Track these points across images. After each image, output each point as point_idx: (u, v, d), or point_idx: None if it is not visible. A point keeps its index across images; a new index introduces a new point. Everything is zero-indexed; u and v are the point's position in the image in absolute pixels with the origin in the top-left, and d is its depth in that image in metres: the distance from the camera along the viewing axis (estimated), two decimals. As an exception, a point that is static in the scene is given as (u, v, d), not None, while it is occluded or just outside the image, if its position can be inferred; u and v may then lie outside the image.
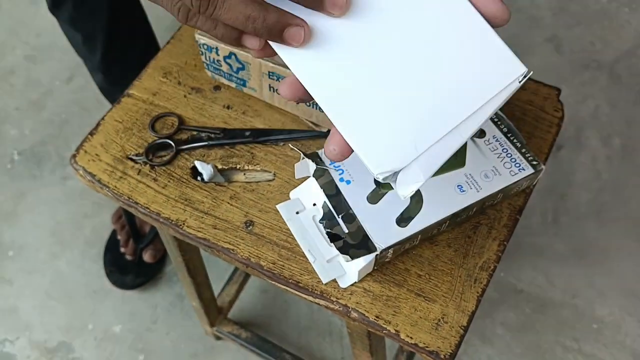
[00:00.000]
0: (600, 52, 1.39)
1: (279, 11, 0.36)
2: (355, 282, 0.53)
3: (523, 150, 0.55)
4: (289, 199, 0.58)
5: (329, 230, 0.52)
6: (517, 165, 0.54)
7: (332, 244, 0.50)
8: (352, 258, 0.50)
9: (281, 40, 0.36)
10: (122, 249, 1.13)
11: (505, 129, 0.56)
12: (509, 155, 0.55)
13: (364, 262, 0.51)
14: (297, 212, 0.56)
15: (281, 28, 0.36)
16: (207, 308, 0.96)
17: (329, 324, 1.09)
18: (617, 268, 1.12)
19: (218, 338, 1.07)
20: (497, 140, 0.56)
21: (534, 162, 0.55)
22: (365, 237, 0.51)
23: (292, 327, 1.09)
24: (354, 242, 0.51)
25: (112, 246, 1.15)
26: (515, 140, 0.56)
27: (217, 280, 1.09)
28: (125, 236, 1.13)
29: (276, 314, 1.11)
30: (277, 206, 0.57)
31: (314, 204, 0.55)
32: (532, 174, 0.54)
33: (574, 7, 1.46)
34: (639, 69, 1.37)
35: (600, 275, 1.12)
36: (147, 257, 1.11)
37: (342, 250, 0.50)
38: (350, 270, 0.52)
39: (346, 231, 0.51)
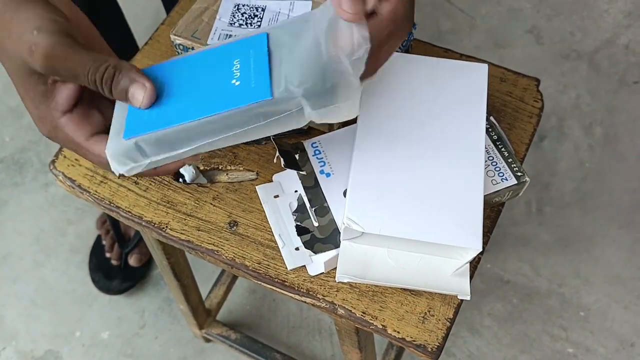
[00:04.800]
0: (580, 42, 1.40)
1: (119, 66, 0.39)
2: (323, 272, 0.53)
3: (509, 160, 0.54)
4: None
5: (298, 223, 0.53)
6: (501, 174, 0.54)
7: (299, 237, 0.52)
8: (316, 253, 0.51)
9: (125, 99, 0.40)
10: (108, 254, 1.12)
11: (495, 137, 0.56)
12: (494, 164, 0.54)
13: (330, 254, 0.52)
14: (276, 196, 0.56)
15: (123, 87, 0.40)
16: (195, 311, 0.95)
17: (318, 322, 1.09)
18: (602, 255, 1.13)
19: (207, 340, 1.06)
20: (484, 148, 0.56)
21: (519, 174, 0.53)
22: (335, 231, 0.51)
23: (282, 327, 1.09)
24: (322, 237, 0.52)
25: (97, 251, 1.14)
26: (503, 150, 0.55)
27: (204, 282, 1.08)
28: (110, 241, 1.12)
29: (265, 314, 1.10)
30: (257, 187, 0.57)
31: (296, 191, 0.55)
32: (515, 185, 0.53)
33: (553, -2, 1.47)
34: (618, 58, 1.38)
35: (585, 263, 1.13)
36: (132, 261, 1.10)
37: (307, 244, 0.52)
38: (317, 260, 0.52)
39: (316, 225, 0.52)
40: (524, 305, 1.09)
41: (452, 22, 1.44)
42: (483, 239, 0.50)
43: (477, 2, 1.47)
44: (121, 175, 0.42)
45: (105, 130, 0.42)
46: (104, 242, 1.13)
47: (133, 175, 0.43)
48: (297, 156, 0.55)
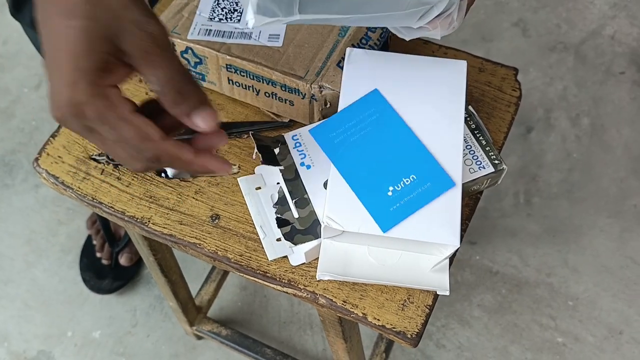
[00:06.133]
0: (566, 34, 1.41)
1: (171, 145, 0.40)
2: (304, 263, 0.54)
3: (487, 148, 0.55)
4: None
5: (279, 215, 0.54)
6: (478, 163, 0.54)
7: (279, 229, 0.53)
8: (296, 244, 0.52)
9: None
10: (98, 254, 1.12)
11: (473, 126, 0.56)
12: (472, 152, 0.55)
13: (310, 245, 0.52)
14: (258, 188, 0.56)
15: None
16: (184, 308, 0.95)
17: (309, 316, 1.10)
18: (590, 245, 1.14)
19: (199, 337, 1.06)
20: None
21: (496, 162, 0.54)
22: (316, 222, 0.52)
23: (273, 322, 1.10)
24: (302, 228, 0.52)
25: (87, 251, 1.14)
26: (481, 138, 0.56)
27: (195, 279, 1.09)
28: (101, 241, 1.12)
29: (256, 310, 1.11)
30: (239, 179, 0.58)
31: (278, 183, 0.56)
32: (492, 173, 0.54)
33: (539, -9, 1.48)
34: (604, 49, 1.39)
35: (573, 253, 1.14)
36: (123, 260, 1.10)
37: (288, 236, 0.52)
38: (298, 251, 0.53)
39: (296, 217, 0.53)
40: (513, 295, 1.10)
41: (438, 17, 1.45)
42: (461, 227, 0.50)
43: (464, -4, 1.48)
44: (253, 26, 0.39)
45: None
46: (94, 242, 1.13)
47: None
48: (277, 149, 0.55)
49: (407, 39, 0.50)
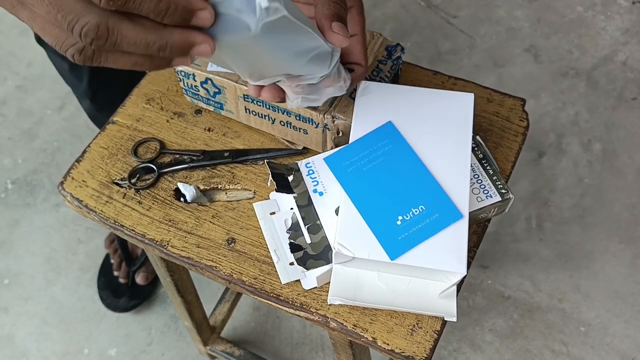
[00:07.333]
0: (578, 60, 1.43)
1: (176, 30, 0.36)
2: (316, 287, 0.56)
3: (494, 177, 0.57)
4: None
5: (292, 241, 0.56)
6: (486, 192, 0.56)
7: (292, 254, 0.55)
8: (308, 269, 0.54)
9: (189, 57, 0.38)
10: (115, 273, 1.15)
11: (480, 155, 0.58)
12: (480, 181, 0.57)
13: (322, 270, 0.54)
14: (272, 213, 0.58)
15: (187, 48, 0.37)
16: (199, 327, 0.97)
17: (321, 338, 1.11)
18: (602, 271, 1.14)
19: (212, 357, 1.08)
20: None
21: (503, 191, 0.56)
22: (327, 248, 0.54)
23: (285, 343, 1.11)
24: (314, 253, 0.54)
25: (105, 270, 1.17)
26: (488, 167, 0.57)
27: (209, 300, 1.11)
28: (118, 259, 1.15)
29: (269, 331, 1.12)
30: (254, 204, 0.60)
31: (291, 208, 0.58)
32: (499, 202, 0.56)
33: (551, 17, 1.50)
34: (616, 74, 1.40)
35: (585, 279, 1.14)
36: (139, 279, 1.13)
37: (300, 261, 0.54)
38: (310, 275, 0.55)
39: (309, 242, 0.55)
40: (525, 320, 1.10)
41: (451, 43, 1.47)
42: (469, 254, 0.52)
43: (476, 22, 1.50)
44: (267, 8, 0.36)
45: None
46: (112, 261, 1.16)
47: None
48: (291, 177, 0.57)
49: (296, 106, 0.53)
